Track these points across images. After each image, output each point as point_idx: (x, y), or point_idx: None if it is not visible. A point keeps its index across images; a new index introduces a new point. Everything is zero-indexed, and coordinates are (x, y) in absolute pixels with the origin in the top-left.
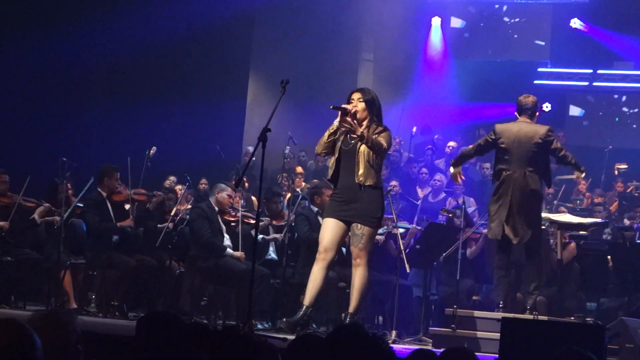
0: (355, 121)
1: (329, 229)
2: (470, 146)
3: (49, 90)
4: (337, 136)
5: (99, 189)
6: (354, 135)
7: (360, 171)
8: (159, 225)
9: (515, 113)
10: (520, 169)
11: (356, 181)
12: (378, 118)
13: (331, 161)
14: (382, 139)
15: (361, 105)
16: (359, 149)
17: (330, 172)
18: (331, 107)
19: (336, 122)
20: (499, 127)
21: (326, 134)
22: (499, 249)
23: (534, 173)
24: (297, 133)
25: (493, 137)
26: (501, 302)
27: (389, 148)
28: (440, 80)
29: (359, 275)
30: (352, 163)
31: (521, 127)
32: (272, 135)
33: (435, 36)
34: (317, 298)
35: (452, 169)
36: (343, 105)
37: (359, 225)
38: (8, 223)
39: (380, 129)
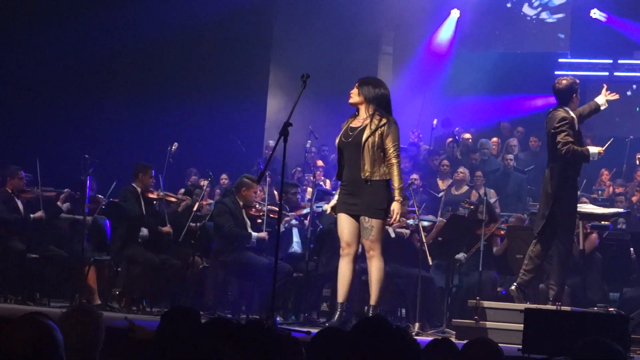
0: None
1: (345, 223)
2: None
3: (68, 86)
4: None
5: (134, 184)
6: (363, 124)
7: (366, 166)
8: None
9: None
10: (550, 161)
11: (362, 176)
12: (385, 108)
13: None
14: (392, 155)
15: (354, 91)
16: (364, 143)
17: (338, 170)
18: None
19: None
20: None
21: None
22: (538, 241)
23: (557, 164)
24: (318, 127)
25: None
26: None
27: (399, 143)
28: (460, 73)
29: (374, 267)
30: (356, 156)
31: (549, 116)
32: (293, 130)
33: (447, 29)
34: (350, 293)
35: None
36: None
37: (367, 218)
38: (43, 212)
39: (384, 121)
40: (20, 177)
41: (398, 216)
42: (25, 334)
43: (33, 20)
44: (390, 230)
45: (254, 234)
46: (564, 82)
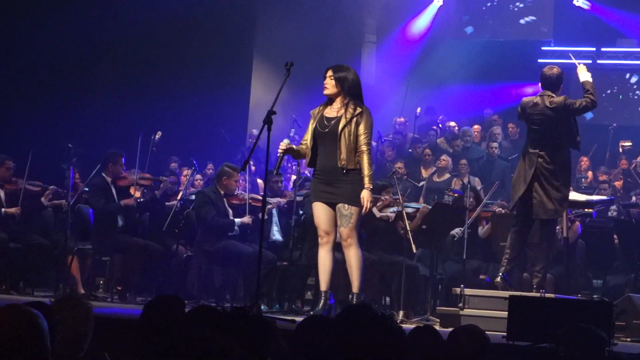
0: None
1: (322, 212)
2: None
3: (52, 75)
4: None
5: (103, 174)
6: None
7: (343, 155)
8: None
9: (540, 85)
10: (543, 146)
11: (339, 165)
12: (357, 96)
13: (307, 145)
14: (363, 143)
15: (330, 82)
16: (341, 133)
17: (308, 156)
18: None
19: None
20: (523, 101)
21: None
22: (516, 226)
23: (554, 151)
24: (302, 116)
25: (520, 111)
26: (502, 273)
27: (371, 137)
28: (444, 61)
29: (353, 255)
30: (332, 146)
31: (540, 102)
32: (277, 118)
33: (426, 17)
34: (332, 280)
35: None
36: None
37: (346, 205)
38: (19, 208)
39: (359, 110)
40: (8, 166)
41: (368, 203)
42: (10, 323)
43: (16, 12)
44: (375, 210)
45: (237, 219)
46: (556, 70)
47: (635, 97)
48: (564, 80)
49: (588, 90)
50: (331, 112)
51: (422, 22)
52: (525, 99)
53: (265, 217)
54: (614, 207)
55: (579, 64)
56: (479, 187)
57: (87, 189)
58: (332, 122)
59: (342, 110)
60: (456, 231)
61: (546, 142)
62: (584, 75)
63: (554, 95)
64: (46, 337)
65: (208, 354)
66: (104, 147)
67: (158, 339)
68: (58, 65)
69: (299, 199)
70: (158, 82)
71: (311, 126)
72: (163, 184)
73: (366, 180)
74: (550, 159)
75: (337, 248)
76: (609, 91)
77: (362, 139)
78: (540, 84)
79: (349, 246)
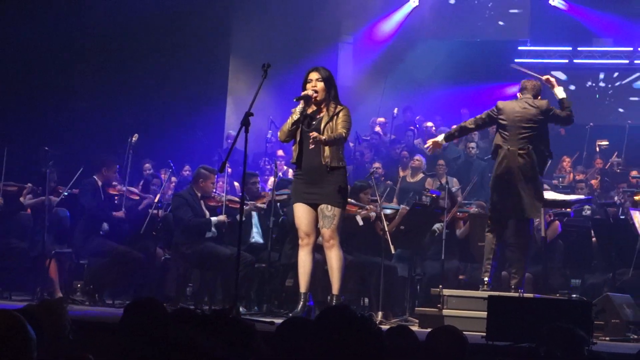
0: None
1: (303, 213)
2: (470, 119)
3: (30, 77)
4: (300, 122)
5: (95, 177)
6: (321, 114)
7: (326, 152)
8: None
9: (518, 94)
10: (523, 145)
11: (322, 163)
12: (335, 97)
13: (295, 145)
14: (341, 127)
15: (320, 85)
16: (323, 130)
17: (295, 155)
18: (295, 99)
19: (299, 109)
20: (501, 103)
21: (289, 122)
22: (494, 227)
23: (533, 150)
24: (279, 117)
25: (495, 112)
26: (487, 279)
27: (349, 131)
28: (421, 61)
29: (335, 256)
30: (316, 145)
31: (523, 104)
32: (254, 120)
33: (397, 16)
34: (311, 282)
35: (439, 138)
36: (304, 93)
37: (329, 206)
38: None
39: (339, 108)
40: None
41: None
42: None
43: None
44: (359, 218)
45: (213, 218)
46: (537, 84)
47: (611, 96)
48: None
49: (568, 107)
50: (315, 112)
51: (391, 22)
52: (503, 102)
53: (244, 218)
54: (587, 206)
55: (555, 84)
56: (456, 188)
57: (65, 193)
58: (316, 121)
59: (324, 111)
60: (437, 226)
61: (526, 141)
62: (562, 93)
63: (532, 98)
64: (33, 341)
65: (190, 356)
66: (81, 150)
67: (139, 342)
68: (36, 67)
69: (278, 198)
70: (135, 84)
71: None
72: (147, 200)
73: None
74: (530, 158)
75: (316, 249)
76: (585, 91)
77: (340, 127)
78: (519, 92)
79: (331, 247)
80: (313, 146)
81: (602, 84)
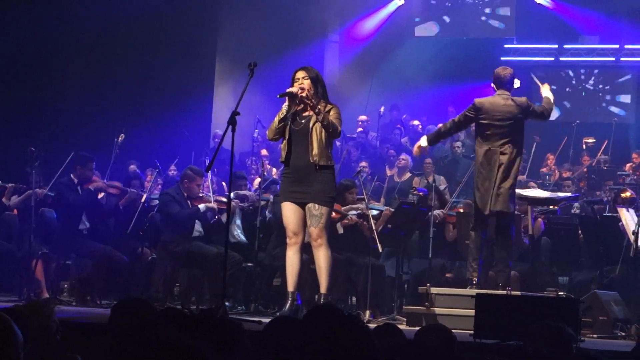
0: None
1: (291, 212)
2: (447, 122)
3: (14, 78)
4: (287, 120)
5: (72, 176)
6: (310, 113)
7: (315, 151)
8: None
9: (493, 85)
10: (504, 143)
11: (311, 161)
12: (324, 96)
13: (283, 143)
14: (336, 120)
15: (307, 83)
16: (312, 128)
17: (283, 154)
18: (278, 95)
19: (285, 107)
20: (478, 101)
21: (276, 120)
22: (477, 225)
23: (513, 147)
24: (266, 116)
25: (473, 112)
26: (475, 279)
27: (340, 119)
28: (408, 60)
29: (323, 255)
30: (304, 142)
31: (502, 101)
32: (241, 119)
33: (380, 15)
34: (299, 281)
35: (422, 142)
36: (289, 90)
37: (317, 205)
38: None
39: (329, 107)
40: None
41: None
42: None
43: None
44: (339, 225)
45: (201, 205)
46: (509, 71)
47: (597, 93)
48: (527, 79)
49: (548, 104)
50: (303, 111)
51: (375, 20)
52: (481, 99)
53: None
54: (576, 204)
55: (542, 84)
56: (444, 186)
57: (50, 194)
58: (304, 120)
59: (321, 107)
60: (438, 212)
61: (506, 138)
62: (548, 93)
63: (509, 94)
64: (20, 342)
65: (178, 356)
66: (68, 150)
67: (127, 342)
68: (22, 67)
69: (264, 198)
70: (122, 83)
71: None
72: (129, 194)
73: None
74: (509, 155)
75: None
76: (570, 89)
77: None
78: (493, 84)
79: (318, 246)
80: (301, 92)
81: (588, 82)
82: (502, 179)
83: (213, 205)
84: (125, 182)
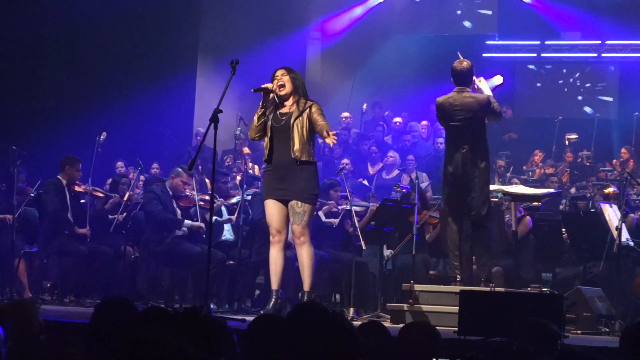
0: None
1: (274, 210)
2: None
3: None
4: (266, 116)
5: (59, 177)
6: (291, 109)
7: (296, 146)
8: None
9: (452, 80)
10: (467, 143)
11: (292, 156)
12: (304, 93)
13: (265, 141)
14: (322, 119)
15: (285, 78)
16: (293, 124)
17: (266, 152)
18: (252, 90)
19: (261, 103)
20: (439, 101)
21: (255, 118)
22: (452, 224)
23: (479, 145)
24: (248, 114)
25: (438, 113)
26: (458, 276)
27: (324, 116)
28: (390, 57)
29: (306, 253)
30: (285, 139)
31: (461, 99)
32: (223, 116)
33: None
34: (283, 279)
35: None
36: (264, 85)
37: (299, 202)
38: None
39: (310, 103)
40: None
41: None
42: None
43: None
44: (321, 213)
45: (187, 221)
46: (466, 64)
47: (579, 89)
48: (509, 74)
49: (495, 103)
50: (284, 109)
51: (354, 15)
52: (440, 99)
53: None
54: (564, 200)
55: (479, 80)
56: (426, 183)
57: (35, 192)
58: (285, 117)
59: (294, 106)
60: (388, 252)
61: (469, 137)
62: (487, 88)
63: (468, 89)
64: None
65: (161, 356)
66: (49, 149)
67: (110, 342)
68: (4, 68)
69: (247, 197)
70: (103, 82)
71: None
72: (112, 200)
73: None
74: (473, 155)
75: (287, 246)
76: (554, 84)
77: (319, 121)
78: (452, 80)
79: (302, 244)
80: (335, 142)
81: (570, 78)
82: (469, 187)
83: (200, 225)
84: (112, 182)
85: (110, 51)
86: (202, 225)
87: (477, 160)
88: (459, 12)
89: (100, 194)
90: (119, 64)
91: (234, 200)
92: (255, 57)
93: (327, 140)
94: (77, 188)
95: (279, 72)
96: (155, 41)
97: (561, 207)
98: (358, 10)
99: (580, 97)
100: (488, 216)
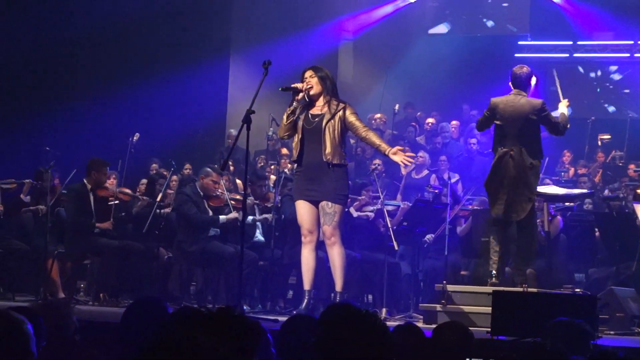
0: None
1: (305, 211)
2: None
3: (27, 78)
4: (296, 116)
5: (85, 181)
6: (323, 111)
7: (328, 149)
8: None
9: (510, 84)
10: (515, 144)
11: (324, 159)
12: (334, 93)
13: (295, 141)
14: (363, 126)
15: (314, 80)
16: (325, 127)
17: (295, 152)
18: (280, 89)
19: (295, 103)
20: (493, 101)
21: (285, 117)
22: (496, 226)
23: (529, 148)
24: (280, 115)
25: (488, 112)
26: (494, 276)
27: (359, 118)
28: (421, 57)
29: (337, 253)
30: (317, 141)
31: (516, 101)
32: (255, 117)
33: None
34: (315, 280)
35: None
36: (293, 85)
37: (330, 203)
38: (1, 205)
39: (342, 106)
40: None
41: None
42: None
43: None
44: (352, 210)
45: (222, 216)
46: (525, 69)
47: (612, 90)
48: (540, 75)
49: (564, 120)
50: (315, 110)
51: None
52: (495, 99)
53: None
54: (588, 200)
55: (564, 99)
56: (457, 178)
57: (64, 191)
58: (317, 119)
59: (326, 108)
60: (429, 237)
61: (519, 140)
62: (564, 109)
63: (525, 94)
64: (32, 341)
65: (193, 355)
66: (82, 150)
67: (141, 342)
68: (34, 67)
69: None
70: (136, 83)
71: (301, 121)
72: (140, 202)
73: (385, 146)
74: (522, 158)
75: (319, 246)
76: (586, 85)
77: (358, 124)
78: (510, 83)
79: (332, 244)
80: (307, 88)
81: (603, 78)
82: (515, 186)
83: (235, 215)
84: (149, 182)
85: (142, 51)
86: (237, 215)
87: (522, 166)
88: (491, 12)
89: (127, 197)
90: (150, 64)
91: (269, 204)
92: (287, 58)
93: (396, 159)
94: (101, 193)
95: (307, 74)
96: (188, 42)
97: (585, 206)
98: (388, 9)
99: (612, 97)
100: (533, 220)
